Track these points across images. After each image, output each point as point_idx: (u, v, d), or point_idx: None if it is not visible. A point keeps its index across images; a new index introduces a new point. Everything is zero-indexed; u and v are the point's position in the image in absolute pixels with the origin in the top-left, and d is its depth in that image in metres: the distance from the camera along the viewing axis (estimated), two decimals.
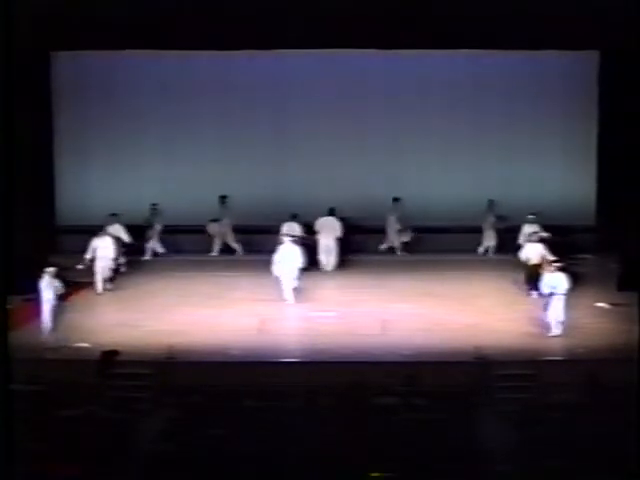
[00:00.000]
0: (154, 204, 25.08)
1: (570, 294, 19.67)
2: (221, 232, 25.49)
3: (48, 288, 18.83)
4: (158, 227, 25.19)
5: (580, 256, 23.77)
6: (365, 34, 24.13)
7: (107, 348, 17.34)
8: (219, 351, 18.44)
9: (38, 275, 21.89)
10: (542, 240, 21.92)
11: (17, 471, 11.05)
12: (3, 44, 11.08)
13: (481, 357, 17.33)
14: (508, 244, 24.06)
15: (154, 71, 26.03)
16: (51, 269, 19.13)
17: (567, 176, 25.93)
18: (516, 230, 23.53)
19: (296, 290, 21.84)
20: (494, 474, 13.12)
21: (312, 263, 23.47)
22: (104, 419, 14.52)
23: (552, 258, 20.46)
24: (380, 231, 25.54)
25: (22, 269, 20.76)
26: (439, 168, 25.92)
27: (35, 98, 24.61)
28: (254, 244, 24.98)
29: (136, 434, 14.17)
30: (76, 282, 21.52)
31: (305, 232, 23.98)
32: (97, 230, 22.79)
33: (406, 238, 25.51)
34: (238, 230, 25.44)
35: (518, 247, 22.57)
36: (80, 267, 21.85)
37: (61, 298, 19.04)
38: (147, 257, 25.10)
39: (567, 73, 25.65)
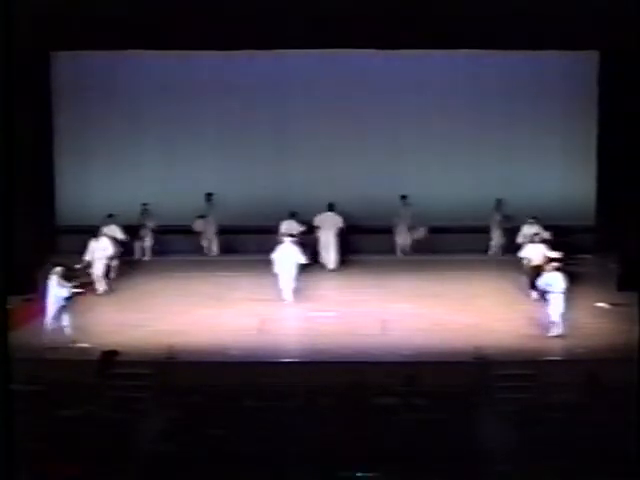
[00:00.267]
0: (145, 204, 25.01)
1: (570, 294, 19.69)
2: (206, 229, 25.49)
3: (56, 288, 18.82)
4: (150, 226, 25.07)
5: (580, 256, 23.75)
6: (365, 34, 24.12)
7: (107, 348, 17.34)
8: (219, 351, 18.45)
9: (38, 275, 21.98)
10: (544, 241, 21.87)
11: (17, 471, 11.04)
12: (3, 44, 11.06)
13: (481, 357, 17.33)
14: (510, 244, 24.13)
15: (154, 71, 26.04)
16: (58, 269, 19.14)
17: (567, 176, 25.94)
18: (515, 230, 23.55)
19: (295, 289, 21.88)
20: (494, 474, 13.12)
21: (312, 261, 23.45)
22: (104, 419, 14.52)
23: (553, 255, 20.44)
24: (380, 231, 25.51)
25: (22, 269, 20.82)
26: (439, 168, 25.93)
27: (35, 98, 24.60)
28: (254, 244, 24.95)
29: (136, 434, 14.16)
30: (83, 283, 21.49)
31: (304, 230, 23.97)
32: (97, 230, 22.80)
33: (419, 235, 25.43)
34: (238, 230, 25.43)
35: (517, 247, 22.59)
36: (77, 267, 21.83)
37: (70, 298, 19.03)
38: (137, 257, 25.00)
39: (567, 73, 25.66)
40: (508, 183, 25.73)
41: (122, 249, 23.50)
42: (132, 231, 24.37)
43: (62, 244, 25.35)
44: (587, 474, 12.81)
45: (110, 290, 22.42)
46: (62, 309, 18.84)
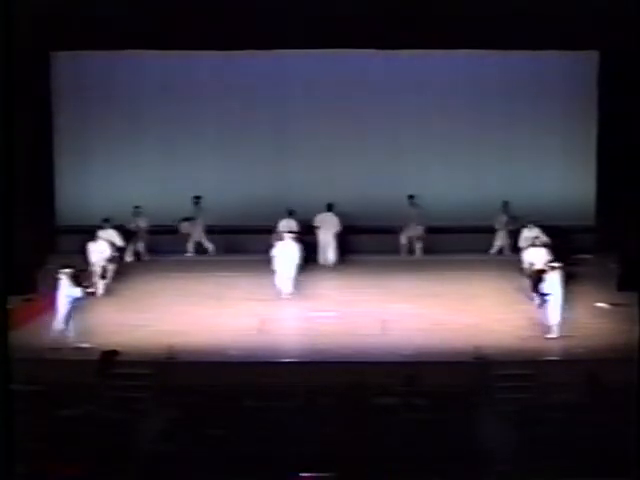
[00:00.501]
0: (137, 206, 24.90)
1: (570, 294, 19.68)
2: (193, 231, 25.49)
3: (68, 289, 18.81)
4: (143, 226, 25.00)
5: (580, 256, 23.74)
6: (365, 34, 24.13)
7: (107, 348, 17.34)
8: (219, 351, 18.45)
9: (38, 275, 22.01)
10: (545, 245, 21.79)
11: (17, 471, 11.04)
12: (3, 44, 11.06)
13: (481, 357, 17.34)
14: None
15: (154, 71, 26.01)
16: (68, 270, 19.15)
17: (567, 176, 25.92)
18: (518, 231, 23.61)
19: (294, 289, 21.94)
20: (494, 474, 13.12)
21: (310, 259, 23.45)
22: (104, 419, 14.52)
23: (552, 260, 20.37)
24: (380, 231, 25.50)
25: (22, 269, 20.83)
26: (439, 168, 25.90)
27: (35, 98, 24.60)
28: (254, 244, 24.93)
29: (136, 434, 14.16)
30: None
31: (302, 229, 23.96)
32: (95, 232, 22.75)
33: (416, 234, 25.40)
34: (238, 230, 25.42)
35: (517, 250, 22.60)
36: (60, 267, 21.77)
37: (81, 299, 19.02)
38: (129, 259, 24.92)
39: (567, 73, 25.64)
40: (508, 183, 25.71)
41: (119, 254, 23.40)
42: (128, 234, 24.30)
43: (62, 244, 25.33)
44: (587, 474, 12.81)
45: (106, 293, 22.35)
46: (72, 310, 18.81)
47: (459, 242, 25.47)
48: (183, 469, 13.04)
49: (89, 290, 19.22)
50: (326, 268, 24.51)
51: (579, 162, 25.90)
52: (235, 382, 16.33)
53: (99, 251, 22.26)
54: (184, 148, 25.99)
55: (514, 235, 24.09)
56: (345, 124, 25.74)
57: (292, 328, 20.86)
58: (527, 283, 21.16)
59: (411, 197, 25.18)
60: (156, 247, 25.56)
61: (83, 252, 22.24)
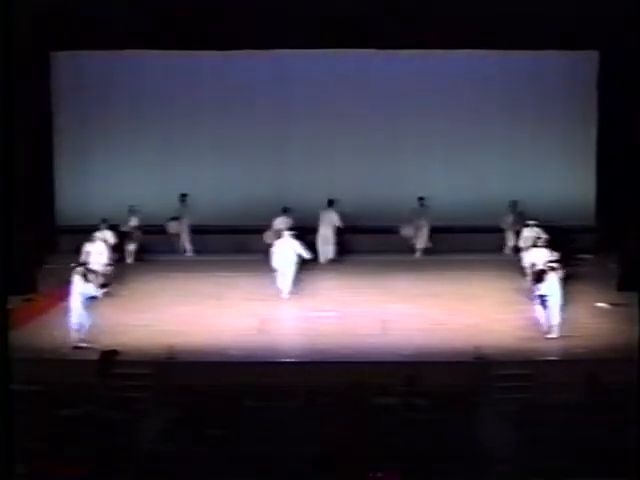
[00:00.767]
0: (132, 206, 24.87)
1: (570, 294, 19.66)
2: (179, 231, 25.49)
3: (82, 287, 18.80)
4: (136, 225, 24.92)
5: (580, 256, 23.74)
6: (365, 34, 24.14)
7: (107, 348, 17.34)
8: (219, 351, 18.44)
9: (38, 275, 21.99)
10: (547, 245, 21.71)
11: (17, 471, 11.04)
12: (3, 44, 11.06)
13: (481, 357, 17.33)
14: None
15: (154, 71, 26.03)
16: (80, 268, 19.16)
17: (567, 176, 25.93)
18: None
19: (294, 288, 21.95)
20: (494, 474, 13.12)
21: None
22: (104, 419, 14.51)
23: (553, 260, 20.34)
24: (380, 231, 25.50)
25: (22, 269, 20.83)
26: (439, 168, 25.91)
27: (35, 98, 24.60)
28: (253, 244, 24.93)
29: (136, 434, 14.16)
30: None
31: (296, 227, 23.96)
32: (94, 232, 22.72)
33: (408, 233, 25.42)
34: (238, 230, 25.42)
35: (517, 250, 22.58)
36: (73, 265, 21.74)
37: (95, 297, 19.02)
38: (129, 261, 24.90)
39: (567, 73, 25.65)
40: (508, 183, 25.72)
41: (116, 255, 23.35)
42: (122, 235, 24.27)
43: (62, 244, 25.33)
44: (587, 474, 12.81)
45: (106, 293, 22.29)
46: (85, 308, 18.82)
47: (459, 242, 25.49)
48: (183, 469, 13.04)
49: (104, 290, 19.20)
50: (326, 268, 24.53)
51: (579, 162, 25.91)
52: (235, 382, 16.32)
53: (97, 252, 22.17)
54: (184, 148, 26.00)
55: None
56: (345, 124, 25.75)
57: (292, 328, 20.86)
58: (527, 283, 21.16)
59: (421, 199, 25.18)
60: (156, 247, 25.60)
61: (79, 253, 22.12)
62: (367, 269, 24.27)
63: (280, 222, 24.02)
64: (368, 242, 25.67)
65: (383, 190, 25.51)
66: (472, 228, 25.31)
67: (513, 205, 25.00)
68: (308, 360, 18.08)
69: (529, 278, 21.01)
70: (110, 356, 16.89)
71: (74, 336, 18.60)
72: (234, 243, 25.45)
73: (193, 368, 17.38)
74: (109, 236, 23.01)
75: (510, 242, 25.05)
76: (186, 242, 25.66)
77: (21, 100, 20.94)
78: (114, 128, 25.97)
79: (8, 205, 11.20)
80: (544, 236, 22.07)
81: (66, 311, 18.98)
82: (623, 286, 21.80)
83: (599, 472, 12.82)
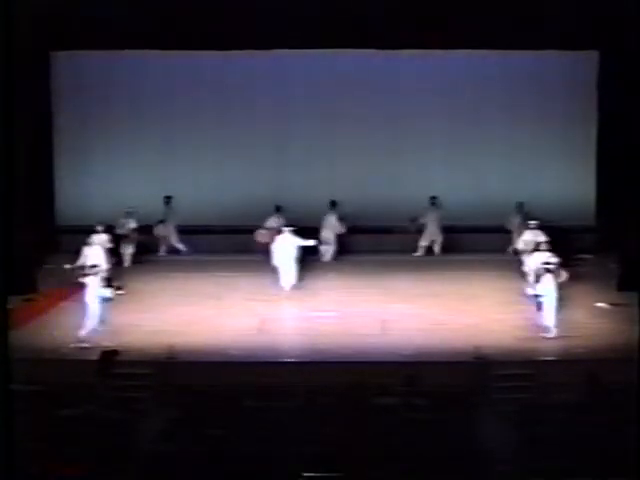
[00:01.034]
0: (128, 208, 24.71)
1: (570, 294, 19.64)
2: (166, 233, 25.49)
3: (98, 288, 18.81)
4: (133, 227, 24.85)
5: (580, 256, 23.73)
6: (365, 34, 24.14)
7: (107, 348, 17.34)
8: (219, 351, 18.44)
9: (38, 275, 21.96)
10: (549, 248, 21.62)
11: (17, 471, 11.03)
12: (3, 44, 11.06)
13: (481, 357, 17.33)
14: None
15: (154, 71, 26.04)
16: (96, 269, 19.15)
17: (567, 176, 25.94)
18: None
19: (295, 287, 21.97)
20: (494, 474, 13.12)
21: (307, 255, 23.51)
22: (104, 419, 14.50)
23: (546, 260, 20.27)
24: (380, 231, 25.53)
25: (22, 269, 20.82)
26: (439, 168, 25.93)
27: (35, 98, 24.60)
28: (254, 244, 24.92)
29: (136, 434, 14.16)
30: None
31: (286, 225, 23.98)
32: (93, 233, 22.70)
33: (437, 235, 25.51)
34: (238, 230, 25.41)
35: (515, 252, 22.59)
36: (68, 267, 21.71)
37: (111, 299, 19.04)
38: (127, 264, 24.86)
39: (567, 73, 25.65)
40: (508, 183, 25.73)
41: (114, 259, 23.31)
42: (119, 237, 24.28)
43: (62, 244, 25.34)
44: (587, 474, 12.81)
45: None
46: (101, 309, 18.83)
47: (459, 242, 25.50)
48: (183, 469, 13.03)
49: (119, 292, 19.22)
50: (326, 268, 24.55)
51: (579, 162, 25.92)
52: (235, 382, 16.32)
53: (94, 255, 22.03)
54: (184, 148, 26.01)
55: None
56: (345, 124, 25.76)
57: (292, 328, 20.85)
58: (527, 284, 21.16)
59: (433, 198, 25.18)
60: (156, 247, 25.62)
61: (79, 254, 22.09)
62: (367, 269, 24.28)
63: (273, 221, 24.15)
64: (368, 242, 25.69)
65: (383, 190, 25.52)
66: (472, 228, 25.32)
67: (519, 207, 24.94)
68: (308, 360, 18.08)
69: (531, 280, 20.96)
70: (110, 356, 16.88)
71: (95, 337, 18.62)
72: (234, 243, 25.43)
73: (193, 368, 17.37)
74: (106, 240, 22.91)
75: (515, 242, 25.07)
76: (176, 243, 25.66)
77: (21, 100, 20.95)
78: (114, 128, 25.98)
79: (8, 205, 11.20)
80: (544, 239, 21.89)
81: (66, 311, 19.00)
82: (623, 286, 21.80)
83: (599, 472, 12.81)
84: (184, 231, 25.69)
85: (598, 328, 19.54)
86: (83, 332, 18.59)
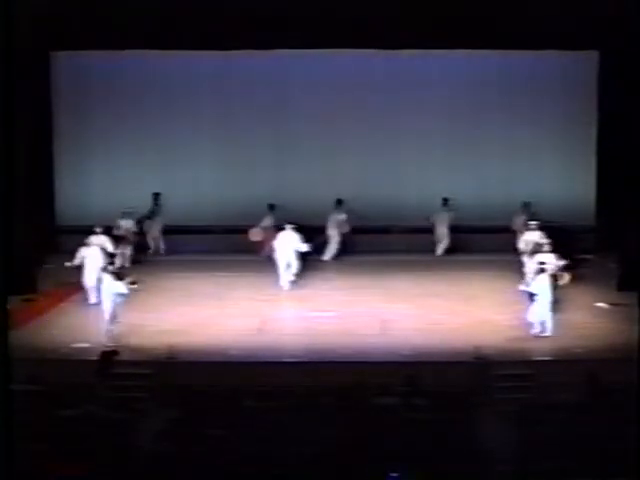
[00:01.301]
0: (125, 208, 24.67)
1: (570, 294, 19.63)
2: (152, 229, 25.49)
3: (113, 285, 18.79)
4: (132, 228, 24.87)
5: (580, 256, 23.72)
6: (365, 34, 24.14)
7: (107, 348, 17.33)
8: (219, 351, 18.44)
9: (38, 275, 21.94)
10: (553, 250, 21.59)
11: (17, 471, 11.04)
12: (3, 44, 11.07)
13: (481, 357, 17.33)
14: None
15: (154, 71, 26.04)
16: (111, 268, 19.15)
17: (567, 176, 25.94)
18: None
19: (295, 285, 21.99)
20: (494, 474, 13.11)
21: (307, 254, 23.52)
22: (104, 419, 14.51)
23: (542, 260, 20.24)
24: (380, 231, 25.54)
25: (22, 269, 20.82)
26: (439, 168, 25.93)
27: (35, 98, 24.59)
28: (254, 244, 24.93)
29: (136, 434, 14.15)
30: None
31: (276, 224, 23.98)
32: (92, 233, 22.66)
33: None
34: (238, 230, 25.40)
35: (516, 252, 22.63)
36: (67, 264, 21.66)
37: (125, 295, 19.02)
38: (126, 265, 24.77)
39: (567, 73, 25.66)
40: (508, 183, 25.74)
41: (113, 260, 23.26)
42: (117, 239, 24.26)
43: (62, 244, 25.31)
44: (587, 474, 12.81)
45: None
46: (115, 306, 18.83)
47: (459, 242, 25.50)
48: (183, 469, 13.03)
49: (133, 287, 19.20)
50: (326, 268, 24.57)
51: (579, 162, 25.92)
52: (235, 382, 16.32)
53: (92, 255, 21.98)
54: (184, 148, 26.00)
55: None
56: (345, 124, 25.77)
57: (292, 328, 20.83)
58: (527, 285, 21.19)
59: (445, 200, 25.19)
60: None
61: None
62: (367, 269, 24.28)
63: (267, 220, 24.28)
64: (368, 242, 25.69)
65: (383, 190, 25.53)
66: (472, 228, 25.32)
67: (524, 206, 24.89)
68: (308, 360, 18.08)
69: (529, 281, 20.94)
70: (110, 356, 16.89)
71: (109, 336, 18.62)
72: (234, 243, 25.43)
73: (193, 368, 17.37)
74: (105, 241, 22.85)
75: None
76: (159, 241, 25.64)
77: (21, 100, 20.94)
78: (114, 128, 25.99)
79: (8, 205, 11.21)
80: (544, 240, 21.81)
81: (66, 311, 19.00)
82: (623, 286, 21.81)
83: (599, 472, 12.81)
84: (184, 231, 25.70)
85: (598, 328, 19.55)
86: (107, 336, 18.59)
